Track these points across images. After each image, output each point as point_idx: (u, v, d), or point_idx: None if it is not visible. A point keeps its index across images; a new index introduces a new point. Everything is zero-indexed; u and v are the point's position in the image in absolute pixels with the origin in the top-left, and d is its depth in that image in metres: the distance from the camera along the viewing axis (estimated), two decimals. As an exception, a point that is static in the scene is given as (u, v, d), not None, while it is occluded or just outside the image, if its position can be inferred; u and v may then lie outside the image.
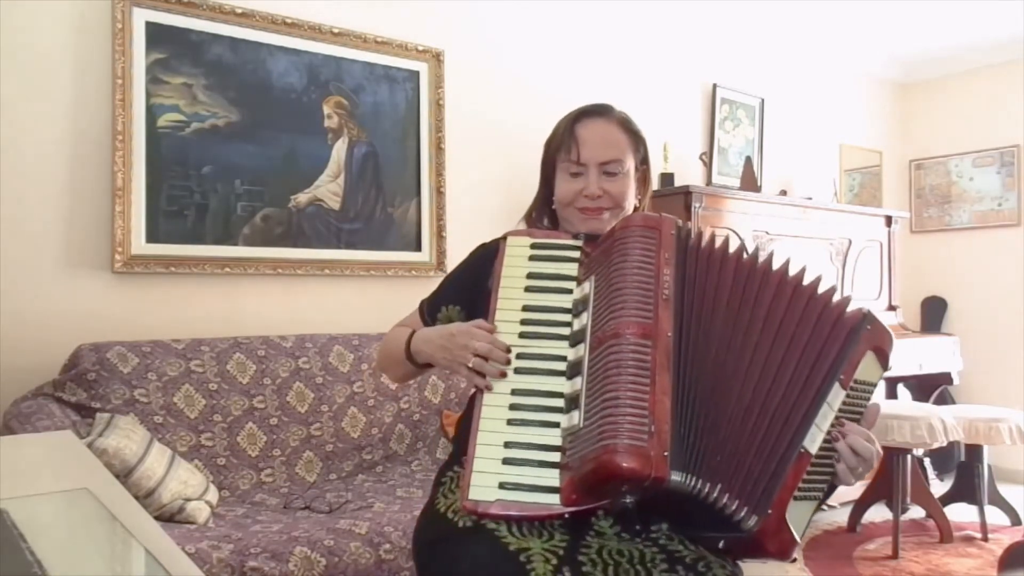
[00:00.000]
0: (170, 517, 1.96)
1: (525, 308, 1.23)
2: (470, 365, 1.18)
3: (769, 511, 1.08)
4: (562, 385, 1.16)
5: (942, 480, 4.25)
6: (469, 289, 1.37)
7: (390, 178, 3.05)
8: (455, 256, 2.78)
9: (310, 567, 1.82)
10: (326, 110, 2.91)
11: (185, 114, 2.61)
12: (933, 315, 5.05)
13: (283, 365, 2.56)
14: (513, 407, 1.16)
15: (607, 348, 1.12)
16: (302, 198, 2.84)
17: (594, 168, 1.37)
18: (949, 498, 3.69)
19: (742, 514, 1.08)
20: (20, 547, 0.81)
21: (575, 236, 1.30)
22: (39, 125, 2.38)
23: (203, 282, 2.65)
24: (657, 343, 1.11)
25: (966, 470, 3.66)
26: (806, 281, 1.24)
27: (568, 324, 1.20)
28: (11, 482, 1.10)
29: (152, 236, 2.53)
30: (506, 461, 1.12)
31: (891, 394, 4.26)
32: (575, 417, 1.12)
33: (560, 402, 1.15)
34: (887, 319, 4.27)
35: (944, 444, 3.32)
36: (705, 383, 1.13)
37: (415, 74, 3.12)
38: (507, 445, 1.14)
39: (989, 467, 3.62)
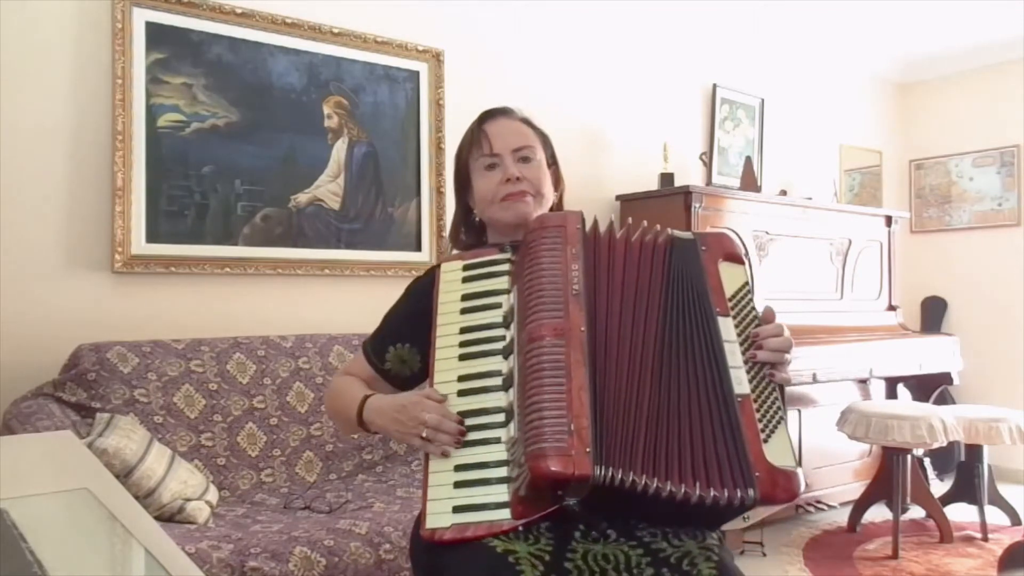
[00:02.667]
0: (170, 517, 1.96)
1: (463, 330, 1.24)
2: (423, 436, 1.18)
3: (757, 474, 1.08)
4: (501, 399, 1.18)
5: (942, 480, 4.25)
6: (414, 325, 1.35)
7: (390, 178, 3.05)
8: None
9: (310, 567, 1.82)
10: (326, 110, 2.91)
11: (185, 114, 2.61)
12: (933, 315, 5.05)
13: (283, 365, 2.56)
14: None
15: (527, 353, 1.13)
16: (302, 198, 2.84)
17: (508, 155, 1.39)
18: (949, 498, 3.69)
19: (740, 496, 1.08)
20: (20, 547, 0.81)
21: (502, 249, 1.31)
22: (39, 125, 2.38)
23: (203, 282, 2.65)
24: (570, 340, 1.12)
25: (966, 470, 3.66)
26: (641, 237, 1.24)
27: (502, 338, 1.22)
28: (11, 482, 1.10)
29: (152, 236, 2.53)
30: (457, 484, 1.15)
31: (891, 394, 4.26)
32: (512, 428, 1.13)
33: (501, 417, 1.17)
34: (887, 319, 4.27)
35: (944, 444, 3.32)
36: (621, 371, 1.14)
37: (415, 74, 3.12)
38: (457, 468, 1.16)
39: (989, 467, 3.62)
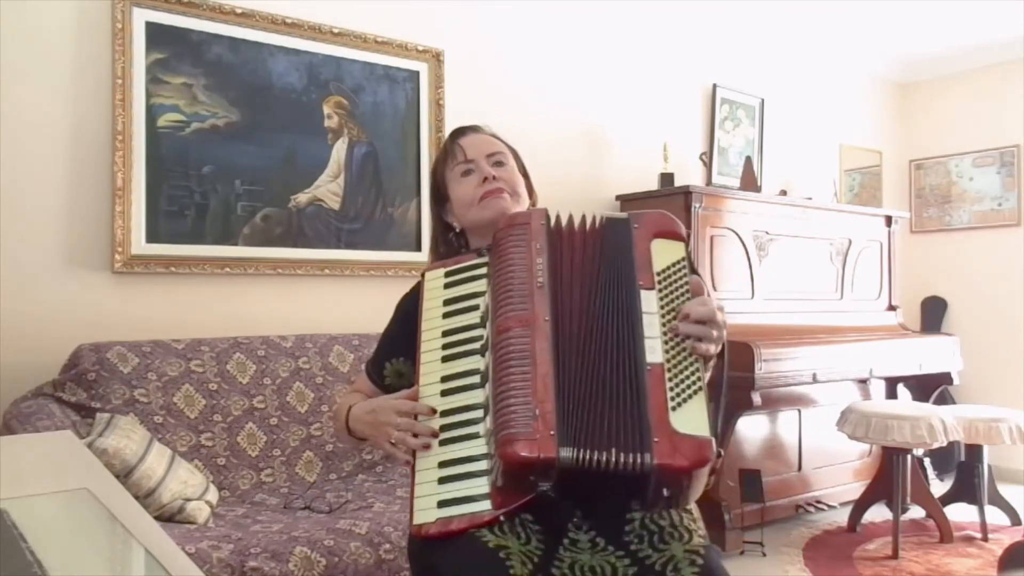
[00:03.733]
0: (170, 517, 1.96)
1: (444, 333, 1.28)
2: (392, 441, 1.23)
3: (655, 439, 1.09)
4: (479, 396, 1.21)
5: (942, 480, 4.25)
6: (405, 339, 1.39)
7: (390, 178, 3.05)
8: (455, 256, 2.80)
9: (310, 567, 1.82)
10: (326, 110, 2.91)
11: (185, 114, 2.61)
12: (933, 315, 5.05)
13: (283, 365, 2.56)
14: (444, 427, 1.21)
15: (496, 346, 1.18)
16: (302, 198, 2.84)
17: (483, 160, 1.45)
18: (949, 498, 3.69)
19: (637, 461, 1.09)
20: (20, 547, 0.81)
21: (479, 253, 1.35)
22: (39, 125, 2.38)
23: (203, 282, 2.65)
24: (535, 330, 1.17)
25: (966, 470, 3.66)
26: (588, 224, 1.29)
27: (481, 338, 1.25)
28: (11, 482, 1.10)
29: (152, 236, 2.53)
30: (442, 480, 1.18)
31: (891, 394, 4.26)
32: (488, 421, 1.16)
33: (480, 412, 1.20)
34: (887, 319, 4.27)
35: (944, 444, 3.32)
36: (579, 353, 1.17)
37: (415, 74, 3.12)
38: (441, 464, 1.19)
39: (989, 467, 3.62)
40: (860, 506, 3.63)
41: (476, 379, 1.22)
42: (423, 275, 1.37)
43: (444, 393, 1.24)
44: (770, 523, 3.45)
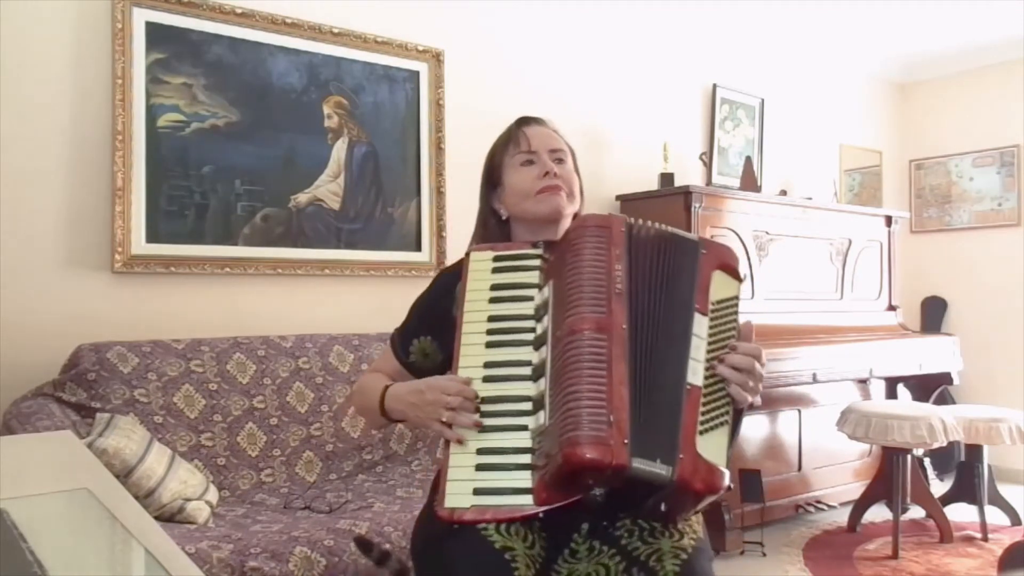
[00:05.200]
0: (170, 517, 1.96)
1: (490, 319, 1.27)
2: (443, 420, 1.20)
3: (680, 456, 1.10)
4: (529, 388, 1.20)
5: (942, 480, 4.25)
6: (437, 317, 1.39)
7: (390, 178, 3.05)
8: (455, 256, 2.81)
9: (310, 567, 1.82)
10: (326, 110, 2.91)
11: (185, 114, 2.61)
12: (933, 315, 5.05)
13: (283, 365, 2.56)
14: (484, 415, 1.20)
15: (565, 345, 1.16)
16: (302, 198, 2.84)
17: (545, 153, 1.44)
18: (949, 498, 3.69)
19: (660, 470, 1.10)
20: (20, 547, 0.81)
21: (535, 245, 1.34)
22: (39, 125, 2.38)
23: (203, 282, 2.65)
24: (612, 335, 1.15)
25: (966, 470, 3.66)
26: (671, 240, 1.29)
27: (532, 330, 1.24)
28: (11, 482, 1.10)
29: (152, 236, 2.53)
30: (479, 467, 1.17)
31: (891, 394, 4.26)
32: (541, 417, 1.16)
33: (528, 405, 1.19)
34: (887, 319, 4.27)
35: (944, 444, 3.32)
36: (646, 365, 1.17)
37: (415, 74, 3.12)
38: (480, 452, 1.18)
39: (989, 467, 3.62)
40: (860, 506, 3.63)
41: (525, 371, 1.21)
42: (467, 255, 1.36)
43: (487, 379, 1.22)
44: (770, 523, 3.45)
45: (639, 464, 1.08)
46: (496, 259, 1.33)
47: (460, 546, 1.14)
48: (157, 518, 1.87)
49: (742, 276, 1.30)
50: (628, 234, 1.25)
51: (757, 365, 1.20)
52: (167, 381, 2.33)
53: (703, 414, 1.14)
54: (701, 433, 1.12)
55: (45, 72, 2.39)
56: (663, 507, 1.16)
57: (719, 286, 1.25)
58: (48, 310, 2.39)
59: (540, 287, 1.28)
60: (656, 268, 1.25)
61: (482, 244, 1.40)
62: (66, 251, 2.43)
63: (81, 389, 2.22)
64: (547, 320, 1.22)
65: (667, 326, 1.20)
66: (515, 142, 1.46)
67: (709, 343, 1.20)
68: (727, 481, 1.12)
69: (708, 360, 1.18)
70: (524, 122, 1.50)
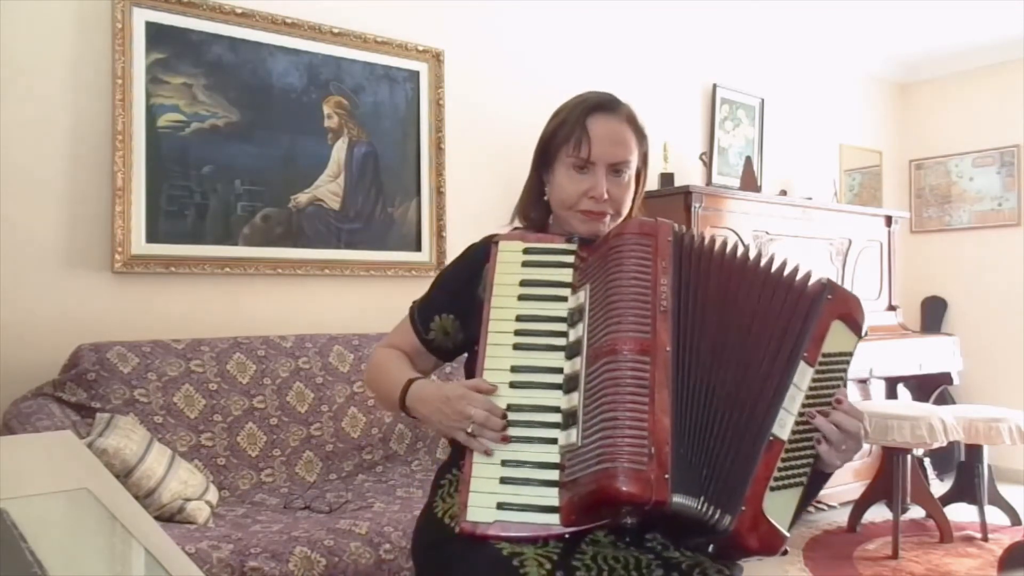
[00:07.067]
0: (170, 517, 1.96)
1: (519, 318, 1.19)
2: (469, 431, 1.13)
3: (743, 508, 1.05)
4: (558, 399, 1.13)
5: (942, 480, 4.25)
6: (461, 296, 1.32)
7: (390, 178, 3.05)
8: (454, 256, 2.82)
9: (310, 567, 1.82)
10: (326, 110, 2.91)
11: (185, 114, 2.61)
12: (933, 315, 5.05)
13: (283, 365, 2.56)
14: (510, 423, 1.13)
15: (604, 365, 1.09)
16: (302, 198, 2.84)
17: (603, 168, 1.28)
18: (949, 498, 3.69)
19: (716, 517, 1.06)
20: (20, 547, 0.81)
21: (568, 239, 1.26)
22: (39, 125, 2.38)
23: (203, 282, 2.65)
24: (656, 359, 1.08)
25: (966, 470, 3.66)
26: (775, 268, 1.20)
27: (563, 334, 1.17)
28: (11, 482, 1.10)
29: (152, 236, 2.53)
30: (504, 480, 1.11)
31: (891, 394, 4.26)
32: (573, 435, 1.09)
33: (556, 417, 1.12)
34: (887, 319, 4.27)
35: (944, 444, 3.32)
36: (702, 396, 1.10)
37: (415, 74, 3.12)
38: (504, 463, 1.12)
39: (989, 467, 3.62)
40: (860, 506, 3.63)
41: (556, 379, 1.14)
42: (496, 243, 1.26)
43: (514, 385, 1.15)
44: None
45: (680, 499, 1.03)
46: (526, 251, 1.23)
47: (466, 554, 1.11)
48: (157, 518, 1.87)
49: (863, 332, 1.16)
50: (676, 245, 1.16)
51: (862, 431, 1.12)
52: (167, 381, 2.33)
53: (780, 470, 1.07)
54: (772, 489, 1.06)
55: (45, 72, 2.39)
56: (710, 549, 1.11)
57: (836, 337, 1.13)
58: (48, 310, 2.39)
59: (574, 288, 1.19)
60: (725, 289, 1.15)
61: (512, 233, 1.30)
62: (66, 251, 2.43)
63: (81, 389, 2.22)
64: (582, 328, 1.14)
65: (754, 361, 1.11)
66: (576, 142, 1.28)
67: (808, 395, 1.10)
68: (784, 547, 1.06)
69: (802, 413, 1.10)
70: (592, 111, 1.31)
